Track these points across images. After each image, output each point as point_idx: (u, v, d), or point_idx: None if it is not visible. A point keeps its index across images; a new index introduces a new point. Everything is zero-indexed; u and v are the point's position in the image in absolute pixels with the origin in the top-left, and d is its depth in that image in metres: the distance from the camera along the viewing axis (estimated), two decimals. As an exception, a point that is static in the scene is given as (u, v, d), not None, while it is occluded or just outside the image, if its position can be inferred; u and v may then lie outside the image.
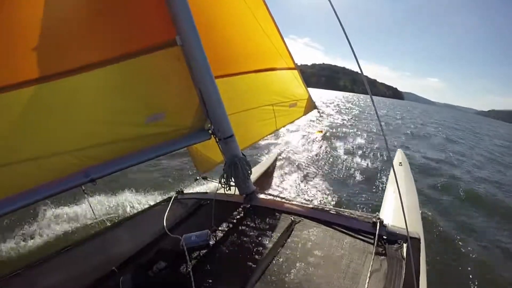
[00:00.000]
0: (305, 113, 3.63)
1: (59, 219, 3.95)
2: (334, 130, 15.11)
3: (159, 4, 1.92)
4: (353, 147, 11.56)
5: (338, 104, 40.10)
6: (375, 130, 17.13)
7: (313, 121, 16.60)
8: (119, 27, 1.87)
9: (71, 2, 1.67)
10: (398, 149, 5.42)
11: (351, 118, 22.16)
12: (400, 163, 4.43)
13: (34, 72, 1.57)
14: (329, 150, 10.31)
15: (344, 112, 27.17)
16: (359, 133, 15.44)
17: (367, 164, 9.30)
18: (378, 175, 8.16)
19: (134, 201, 4.65)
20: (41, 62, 1.58)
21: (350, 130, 16.00)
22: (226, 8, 2.63)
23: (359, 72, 1.58)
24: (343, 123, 18.97)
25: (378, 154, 11.34)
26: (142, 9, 1.92)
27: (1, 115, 1.52)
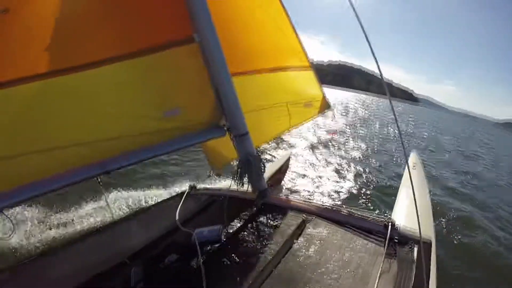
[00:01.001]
0: (320, 113, 3.61)
1: (75, 210, 4.04)
2: (347, 130, 14.96)
3: (178, 1, 1.95)
4: (366, 148, 11.43)
5: (351, 107, 39.41)
6: (387, 133, 16.91)
7: (327, 121, 16.46)
8: (138, 22, 1.91)
9: None
10: (412, 151, 5.30)
11: (364, 122, 21.83)
12: (414, 165, 4.35)
13: (57, 63, 1.62)
14: (341, 150, 10.22)
15: (357, 116, 26.73)
16: (372, 136, 15.26)
17: (380, 166, 9.19)
18: (391, 177, 8.06)
19: (148, 195, 4.71)
20: (62, 54, 1.64)
21: (362, 133, 15.81)
22: (242, 7, 2.63)
23: (379, 76, 1.58)
24: (355, 125, 18.73)
25: (392, 157, 11.18)
26: (161, 5, 1.95)
27: (21, 106, 1.59)
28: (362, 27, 1.51)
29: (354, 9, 1.53)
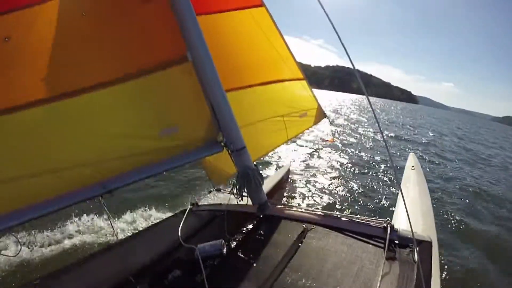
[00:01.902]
0: (316, 122, 3.65)
1: (79, 231, 4.05)
2: (344, 137, 15.00)
3: (170, 22, 2.01)
4: (364, 153, 11.45)
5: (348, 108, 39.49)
6: (387, 135, 16.96)
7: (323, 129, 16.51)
8: (131, 46, 1.98)
9: (83, 23, 1.78)
10: (411, 153, 5.34)
11: (362, 124, 21.87)
12: (413, 166, 4.38)
13: (55, 89, 1.71)
14: (340, 157, 10.24)
15: (353, 118, 26.79)
16: (370, 139, 15.30)
17: (380, 169, 9.21)
18: (391, 179, 8.07)
19: (150, 214, 4.72)
20: (60, 80, 1.73)
21: (361, 137, 15.85)
22: (233, 23, 2.70)
23: (352, 67, 1.66)
24: (353, 129, 18.75)
25: (392, 159, 11.15)
26: (153, 27, 2.01)
27: (23, 131, 1.67)
28: (333, 25, 1.58)
29: (323, 9, 1.60)
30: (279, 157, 9.23)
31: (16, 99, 1.61)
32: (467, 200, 7.47)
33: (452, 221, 5.92)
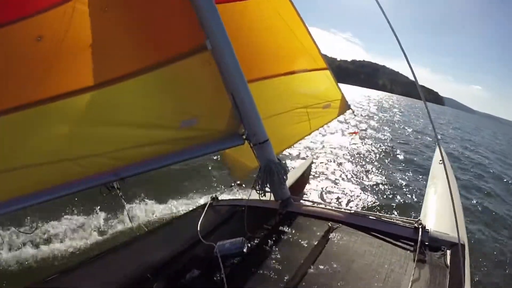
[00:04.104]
0: (339, 114, 3.53)
1: (98, 227, 4.10)
2: (369, 132, 14.66)
3: (187, 10, 1.94)
4: (390, 147, 11.16)
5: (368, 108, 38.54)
6: (411, 135, 16.49)
7: (348, 122, 16.17)
8: (150, 37, 1.95)
9: (104, 19, 1.80)
10: (437, 146, 5.02)
11: (386, 121, 21.33)
12: (440, 160, 4.07)
13: (81, 82, 1.79)
14: (365, 151, 9.98)
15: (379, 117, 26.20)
16: (396, 135, 14.92)
17: (408, 164, 8.94)
18: (419, 175, 7.80)
19: (170, 207, 4.73)
20: (85, 74, 1.80)
21: (386, 132, 15.47)
22: (253, 11, 2.61)
23: (414, 79, 1.53)
24: (377, 124, 18.32)
25: (418, 154, 10.84)
26: (171, 17, 1.98)
27: (45, 123, 1.77)
28: (389, 22, 1.47)
29: (382, 9, 1.53)
30: (301, 149, 9.06)
31: (43, 93, 1.71)
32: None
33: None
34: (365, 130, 15.01)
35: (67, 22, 1.68)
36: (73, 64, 1.75)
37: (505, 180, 10.12)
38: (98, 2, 1.75)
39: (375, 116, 22.74)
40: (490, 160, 13.96)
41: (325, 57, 3.14)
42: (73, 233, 3.87)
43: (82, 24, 1.72)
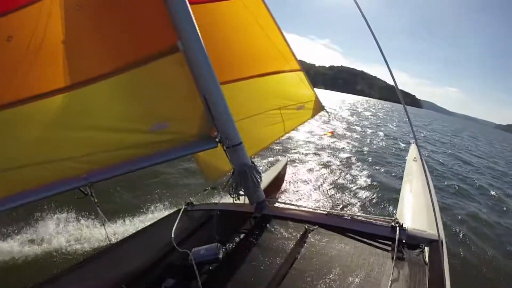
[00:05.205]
0: (313, 115, 3.55)
1: (71, 233, 3.92)
2: (344, 132, 14.94)
3: (160, 10, 1.90)
4: (364, 147, 11.41)
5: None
6: (382, 134, 16.92)
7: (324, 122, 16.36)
8: (122, 38, 1.91)
9: (78, 18, 1.76)
10: (412, 144, 5.13)
11: (361, 122, 21.80)
12: (415, 158, 4.17)
13: (49, 84, 1.73)
14: (340, 151, 10.15)
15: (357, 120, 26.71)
16: (369, 135, 15.27)
17: (382, 162, 9.16)
18: (393, 173, 8.01)
19: (145, 213, 4.58)
20: (55, 75, 1.73)
21: (361, 133, 15.82)
22: (227, 13, 2.58)
23: (394, 84, 1.56)
24: (352, 125, 18.69)
25: (392, 151, 11.14)
26: (143, 18, 1.93)
27: (13, 126, 1.71)
28: (369, 26, 1.50)
29: (363, 15, 1.53)
30: (276, 150, 9.08)
31: (12, 95, 1.65)
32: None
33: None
34: (339, 130, 15.28)
35: (38, 22, 1.63)
36: (43, 66, 1.70)
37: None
38: (72, 0, 1.71)
39: (349, 118, 23.14)
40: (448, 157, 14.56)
41: (303, 63, 3.15)
42: (46, 241, 3.69)
43: (54, 24, 1.67)
